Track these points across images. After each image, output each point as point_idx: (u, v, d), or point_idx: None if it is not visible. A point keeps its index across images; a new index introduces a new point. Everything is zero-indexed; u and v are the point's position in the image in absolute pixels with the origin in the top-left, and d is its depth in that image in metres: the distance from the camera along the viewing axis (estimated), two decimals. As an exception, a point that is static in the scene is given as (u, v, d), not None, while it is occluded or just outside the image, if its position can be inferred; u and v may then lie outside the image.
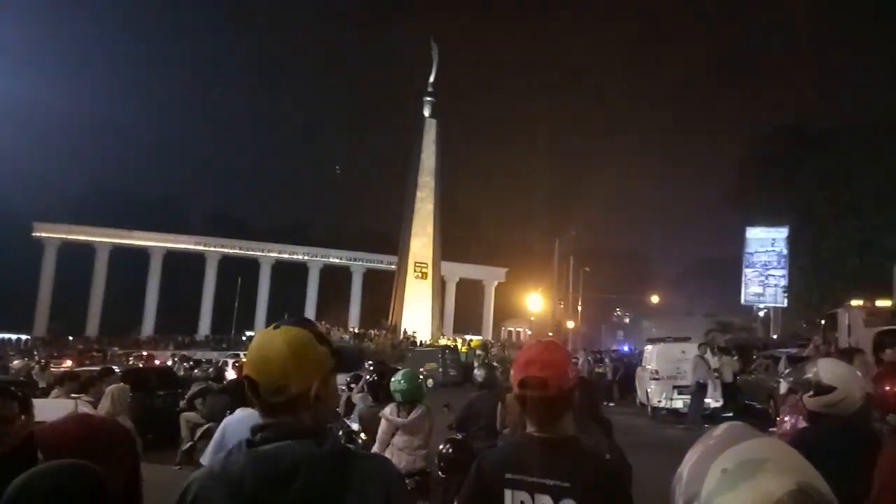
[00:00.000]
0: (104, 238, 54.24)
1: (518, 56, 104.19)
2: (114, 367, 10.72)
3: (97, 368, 9.79)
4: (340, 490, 1.31)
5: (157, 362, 25.63)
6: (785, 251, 34.43)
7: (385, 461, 1.66)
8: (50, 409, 3.93)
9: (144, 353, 33.23)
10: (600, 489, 1.79)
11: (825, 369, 2.55)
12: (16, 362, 24.89)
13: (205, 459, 2.84)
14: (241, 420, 3.04)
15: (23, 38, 71.05)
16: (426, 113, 44.78)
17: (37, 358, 27.87)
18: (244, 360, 1.46)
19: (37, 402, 4.01)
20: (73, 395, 6.26)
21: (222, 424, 3.18)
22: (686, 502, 0.84)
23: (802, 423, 2.75)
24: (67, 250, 54.06)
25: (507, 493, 1.81)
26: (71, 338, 48.12)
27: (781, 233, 34.52)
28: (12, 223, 52.49)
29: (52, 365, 21.49)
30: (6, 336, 49.20)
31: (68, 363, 23.32)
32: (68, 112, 65.82)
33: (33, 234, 53.21)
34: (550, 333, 45.01)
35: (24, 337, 49.24)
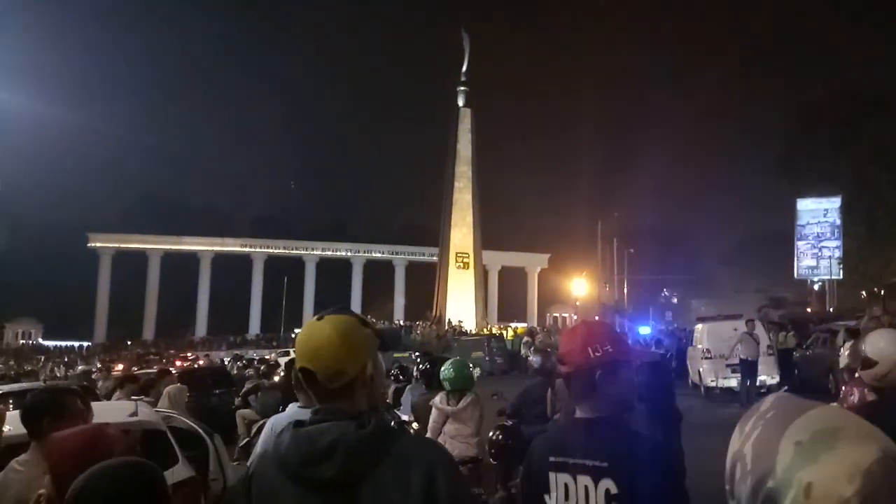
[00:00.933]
0: (155, 245, 55.99)
1: (553, 37, 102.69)
2: (170, 369, 11.06)
3: (154, 371, 10.13)
4: (377, 468, 1.36)
5: (200, 362, 26.49)
6: (839, 221, 33.17)
7: (434, 443, 1.70)
8: (111, 410, 4.09)
9: (189, 356, 34.50)
10: (640, 468, 1.74)
11: (869, 342, 2.49)
12: (80, 368, 26.21)
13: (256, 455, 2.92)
14: (288, 416, 3.06)
15: (67, 66, 73.69)
16: (460, 102, 44.55)
17: (98, 364, 29.10)
18: (293, 355, 1.55)
19: (98, 404, 4.17)
20: (133, 396, 6.49)
21: (269, 423, 3.18)
22: (757, 483, 0.79)
23: (871, 396, 2.65)
24: (121, 258, 56.01)
25: (552, 476, 1.81)
26: (129, 342, 49.89)
27: (834, 202, 33.26)
28: (68, 235, 54.68)
29: (112, 370, 22.38)
30: (69, 343, 51.32)
31: (119, 367, 24.35)
32: (113, 130, 68.26)
33: (88, 245, 55.28)
34: (597, 317, 44.58)
35: (85, 344, 51.28)
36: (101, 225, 57.52)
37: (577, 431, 1.86)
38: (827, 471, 0.73)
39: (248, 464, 1.49)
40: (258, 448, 2.86)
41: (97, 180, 70.71)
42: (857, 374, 2.80)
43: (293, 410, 3.02)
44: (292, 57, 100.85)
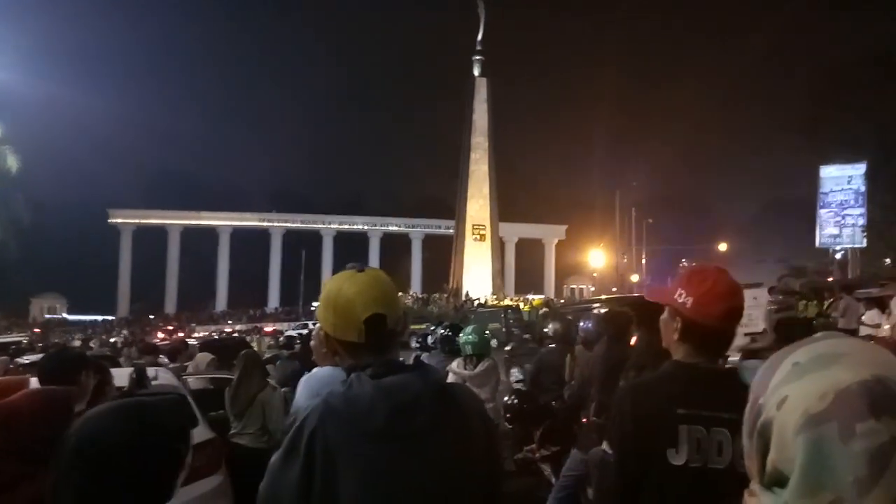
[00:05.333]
0: (174, 220, 56.61)
1: (571, 4, 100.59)
2: (187, 340, 11.27)
3: (169, 342, 10.39)
4: (454, 420, 1.40)
5: (180, 334, 27.74)
6: (863, 188, 32.52)
7: (472, 391, 1.72)
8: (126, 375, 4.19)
9: (170, 328, 36.45)
10: None
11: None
12: (113, 340, 27.19)
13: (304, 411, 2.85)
14: (330, 374, 3.02)
15: (83, 47, 73.91)
16: (476, 72, 44.07)
17: (123, 337, 29.94)
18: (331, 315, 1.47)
19: (119, 370, 4.25)
20: (153, 364, 6.67)
21: (307, 386, 3.09)
22: (753, 401, 0.78)
23: None
24: (141, 234, 56.79)
25: (682, 429, 1.67)
26: (152, 316, 50.76)
27: (858, 169, 32.56)
28: (89, 212, 55.50)
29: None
30: (93, 318, 52.38)
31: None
32: (130, 109, 68.80)
33: (109, 221, 56.04)
34: (615, 289, 44.40)
35: (109, 318, 52.30)
36: (121, 202, 58.29)
37: (707, 381, 1.74)
38: (807, 387, 0.70)
39: (297, 422, 1.35)
40: (302, 402, 2.80)
41: (116, 158, 71.21)
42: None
43: (331, 370, 2.97)
44: (305, 31, 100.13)
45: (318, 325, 1.72)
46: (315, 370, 3.21)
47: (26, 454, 1.50)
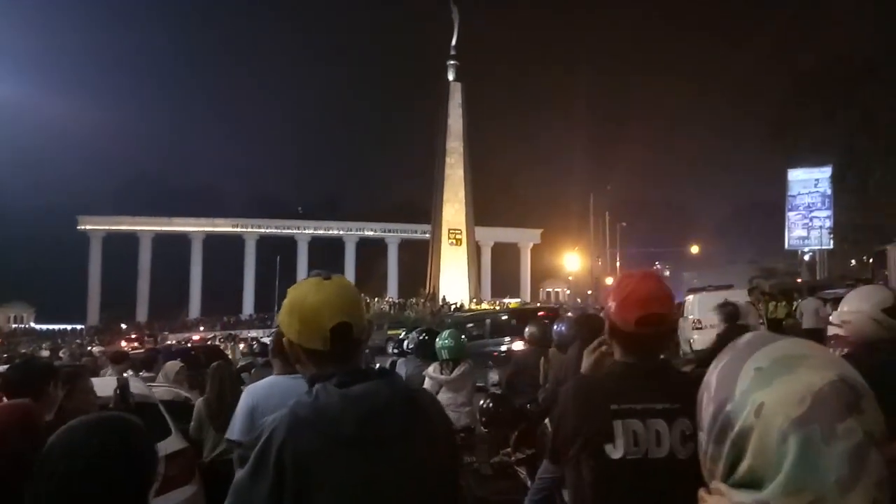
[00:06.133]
0: (146, 227, 55.70)
1: (544, 10, 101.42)
2: (158, 348, 11.12)
3: (143, 350, 10.24)
4: (421, 425, 1.41)
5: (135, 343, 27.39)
6: (829, 191, 33.31)
7: (436, 398, 1.78)
8: (101, 385, 4.11)
9: (134, 336, 36.05)
10: None
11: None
12: (94, 349, 26.68)
13: (237, 425, 2.79)
14: (268, 385, 2.96)
15: (53, 50, 72.51)
16: (450, 76, 44.11)
17: (96, 345, 29.39)
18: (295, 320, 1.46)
19: (95, 380, 4.18)
20: (126, 373, 6.57)
21: (247, 394, 2.99)
22: (717, 408, 0.78)
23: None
24: (112, 241, 55.72)
25: (617, 424, 1.76)
26: (124, 325, 49.84)
27: (824, 172, 33.36)
28: (58, 219, 54.37)
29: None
30: (61, 327, 51.23)
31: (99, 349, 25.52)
32: (101, 114, 67.71)
33: (78, 228, 54.92)
34: (590, 291, 44.78)
35: (79, 327, 51.20)
36: (91, 208, 57.19)
37: (636, 377, 1.83)
38: (779, 392, 0.72)
39: (263, 436, 1.32)
40: (245, 418, 2.74)
41: (86, 163, 70.21)
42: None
43: (272, 379, 2.95)
44: (280, 35, 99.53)
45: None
46: (262, 381, 3.14)
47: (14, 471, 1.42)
